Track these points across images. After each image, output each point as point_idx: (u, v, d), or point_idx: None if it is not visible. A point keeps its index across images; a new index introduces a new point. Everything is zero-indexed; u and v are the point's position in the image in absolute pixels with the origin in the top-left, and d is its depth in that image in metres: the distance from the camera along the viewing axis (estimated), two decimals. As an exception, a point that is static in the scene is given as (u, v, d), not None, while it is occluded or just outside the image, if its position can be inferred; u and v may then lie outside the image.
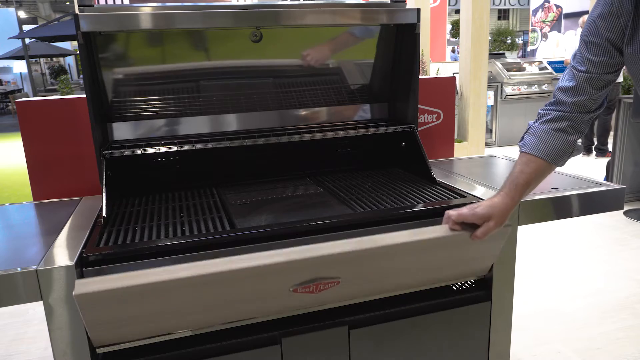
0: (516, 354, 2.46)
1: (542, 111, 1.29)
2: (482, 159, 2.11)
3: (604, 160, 5.23)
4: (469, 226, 1.27)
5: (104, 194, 1.43)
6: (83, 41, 1.43)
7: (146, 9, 1.44)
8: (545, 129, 1.25)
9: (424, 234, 1.27)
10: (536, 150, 1.25)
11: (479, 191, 1.54)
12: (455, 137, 4.70)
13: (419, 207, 1.44)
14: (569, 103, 1.23)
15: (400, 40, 1.84)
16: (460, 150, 4.75)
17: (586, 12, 8.65)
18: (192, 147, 1.63)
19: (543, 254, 3.66)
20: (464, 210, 1.27)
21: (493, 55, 7.88)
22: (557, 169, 1.31)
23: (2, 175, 7.11)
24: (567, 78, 1.24)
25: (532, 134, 1.28)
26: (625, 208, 4.36)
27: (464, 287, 1.60)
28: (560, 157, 1.26)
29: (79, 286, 1.02)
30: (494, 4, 14.25)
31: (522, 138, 1.31)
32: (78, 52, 1.56)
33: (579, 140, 1.29)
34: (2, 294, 1.09)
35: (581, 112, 1.23)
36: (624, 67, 1.22)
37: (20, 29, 15.02)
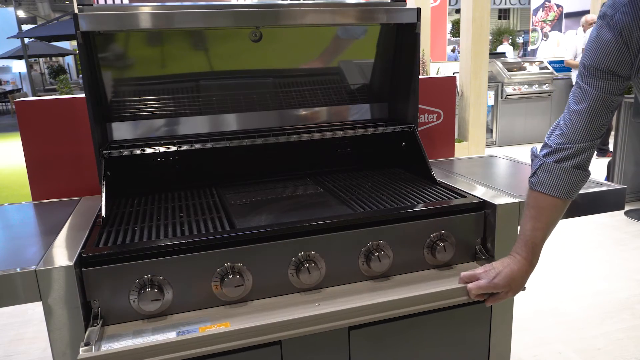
0: (517, 354, 2.46)
1: (555, 145, 1.22)
2: (483, 158, 2.11)
3: (605, 160, 5.22)
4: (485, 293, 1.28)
5: (103, 194, 1.43)
6: (82, 41, 1.42)
7: (146, 9, 1.43)
8: (564, 167, 1.21)
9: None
10: (555, 190, 1.22)
11: (479, 191, 1.54)
12: (456, 136, 4.70)
13: (419, 207, 1.43)
14: (583, 130, 1.18)
15: (401, 40, 1.83)
16: (461, 150, 4.76)
17: (587, 12, 8.63)
18: (192, 147, 1.63)
19: (543, 254, 3.65)
20: (483, 282, 1.25)
21: (493, 54, 7.89)
22: None
23: (1, 175, 7.11)
24: (577, 101, 1.19)
25: (548, 171, 1.23)
26: (626, 208, 4.36)
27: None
28: (577, 191, 1.24)
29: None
30: (494, 3, 14.25)
31: (534, 174, 1.26)
32: (77, 51, 1.55)
33: None
34: (1, 294, 1.09)
35: (594, 139, 1.19)
36: None
37: (20, 28, 15.03)
